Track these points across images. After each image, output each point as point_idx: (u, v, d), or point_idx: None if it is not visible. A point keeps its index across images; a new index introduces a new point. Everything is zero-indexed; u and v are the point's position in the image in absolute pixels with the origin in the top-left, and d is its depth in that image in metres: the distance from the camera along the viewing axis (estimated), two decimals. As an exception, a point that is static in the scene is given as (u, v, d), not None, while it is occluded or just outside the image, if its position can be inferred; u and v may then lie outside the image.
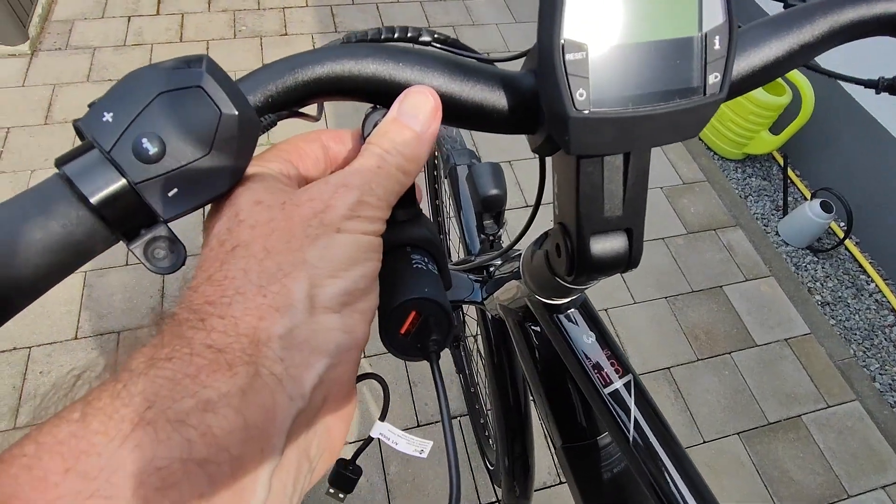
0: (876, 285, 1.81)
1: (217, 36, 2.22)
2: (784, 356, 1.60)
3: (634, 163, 0.29)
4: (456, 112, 0.27)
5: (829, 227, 1.91)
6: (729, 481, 1.34)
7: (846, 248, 1.89)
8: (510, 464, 0.79)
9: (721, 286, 1.73)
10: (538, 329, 0.50)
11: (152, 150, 0.19)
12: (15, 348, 1.38)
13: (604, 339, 0.43)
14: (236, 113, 0.20)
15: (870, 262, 1.86)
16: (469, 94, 0.27)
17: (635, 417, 0.40)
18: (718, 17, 0.24)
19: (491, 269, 0.68)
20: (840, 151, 1.91)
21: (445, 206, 1.11)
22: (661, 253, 1.79)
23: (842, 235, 1.83)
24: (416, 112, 0.24)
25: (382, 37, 0.33)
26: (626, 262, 0.32)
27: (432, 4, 2.54)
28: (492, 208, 0.67)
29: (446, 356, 1.37)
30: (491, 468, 1.16)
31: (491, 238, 0.72)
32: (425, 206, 1.15)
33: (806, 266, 1.86)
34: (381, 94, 0.26)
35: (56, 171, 0.20)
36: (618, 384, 0.41)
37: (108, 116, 0.19)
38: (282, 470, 0.18)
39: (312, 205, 0.20)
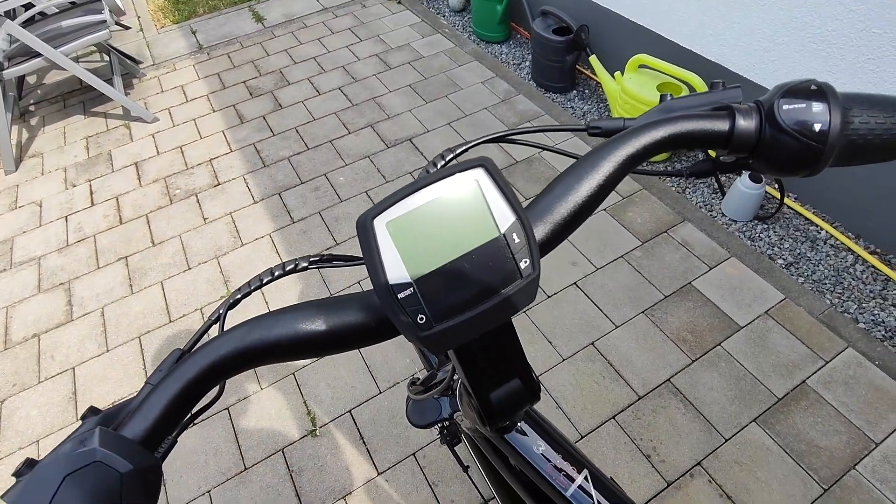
0: (826, 232, 1.90)
1: (154, 207, 2.30)
2: (769, 328, 1.64)
3: (497, 332, 0.34)
4: (331, 341, 0.32)
5: (768, 193, 2.01)
6: (763, 472, 1.35)
7: (789, 207, 2.00)
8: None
9: (690, 282, 1.80)
10: None
11: None
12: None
13: (555, 442, 0.47)
14: (132, 467, 0.24)
15: (813, 213, 1.95)
16: (339, 322, 0.32)
17: (598, 502, 0.44)
18: (509, 216, 0.29)
19: (455, 378, 0.72)
20: (747, 124, 2.05)
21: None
22: (624, 271, 1.85)
23: (780, 197, 1.93)
24: None
25: (265, 281, 0.38)
26: (528, 399, 0.37)
27: (346, 112, 2.68)
28: None
29: (447, 455, 1.37)
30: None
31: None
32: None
33: (759, 236, 1.94)
34: (275, 356, 0.31)
35: None
36: (579, 480, 0.45)
37: None
38: None
39: None
